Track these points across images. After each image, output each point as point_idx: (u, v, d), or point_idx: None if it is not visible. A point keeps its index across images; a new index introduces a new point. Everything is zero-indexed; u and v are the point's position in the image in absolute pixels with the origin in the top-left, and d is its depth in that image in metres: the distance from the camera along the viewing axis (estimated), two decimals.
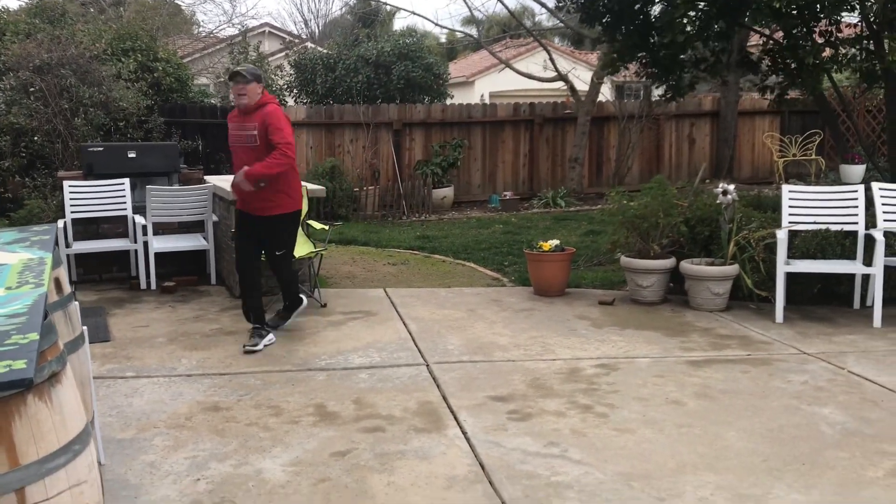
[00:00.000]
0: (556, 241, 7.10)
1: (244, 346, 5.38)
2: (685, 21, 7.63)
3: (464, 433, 4.04)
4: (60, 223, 7.16)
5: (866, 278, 6.32)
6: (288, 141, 5.31)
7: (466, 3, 22.74)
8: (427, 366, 5.11)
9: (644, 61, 8.64)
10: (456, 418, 4.24)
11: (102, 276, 7.66)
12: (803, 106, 14.20)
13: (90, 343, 3.53)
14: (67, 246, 7.36)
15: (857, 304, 6.37)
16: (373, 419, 4.24)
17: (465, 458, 3.75)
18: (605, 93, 16.71)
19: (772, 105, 8.46)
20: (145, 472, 3.63)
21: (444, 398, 4.53)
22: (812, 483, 3.47)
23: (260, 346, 5.41)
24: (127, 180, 7.57)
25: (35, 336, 1.99)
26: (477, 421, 4.20)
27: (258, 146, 5.33)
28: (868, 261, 6.10)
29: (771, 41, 8.21)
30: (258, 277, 5.69)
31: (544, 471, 3.62)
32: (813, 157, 14.23)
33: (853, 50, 7.42)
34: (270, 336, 5.56)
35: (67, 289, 3.15)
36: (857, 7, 7.10)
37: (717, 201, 6.58)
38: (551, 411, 4.32)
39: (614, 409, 4.35)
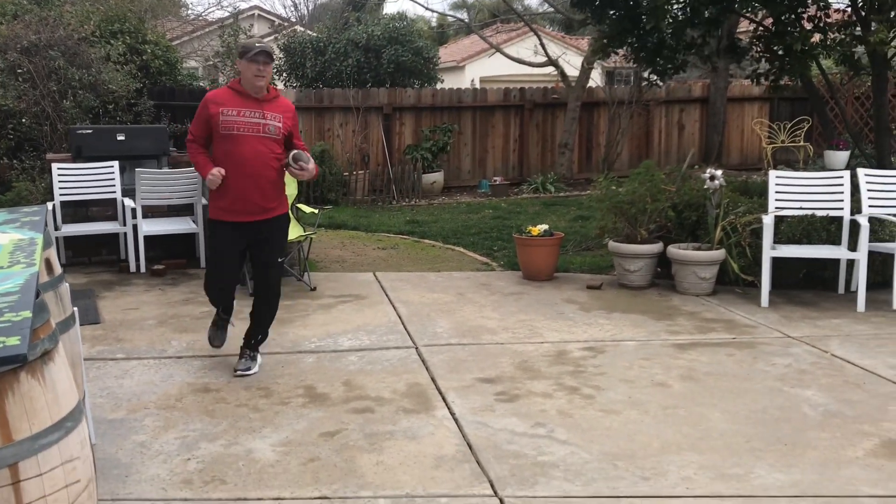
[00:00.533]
0: (545, 226, 7.14)
1: (236, 371, 4.69)
2: (672, 7, 7.65)
3: (452, 414, 4.09)
4: (49, 205, 7.15)
5: (851, 263, 6.40)
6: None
7: None
8: (416, 348, 5.15)
9: (634, 46, 8.67)
10: (444, 399, 4.28)
11: (91, 258, 7.66)
12: (792, 92, 14.23)
13: (80, 325, 3.56)
14: (56, 229, 7.35)
15: (841, 288, 6.44)
16: (362, 400, 4.28)
17: (453, 438, 3.80)
18: (596, 78, 16.75)
19: (767, 92, 8.50)
20: (136, 452, 3.66)
21: (433, 380, 4.58)
22: (793, 463, 3.53)
23: (255, 369, 4.73)
24: (116, 163, 7.56)
25: (28, 314, 2.01)
26: (465, 402, 4.24)
27: (278, 139, 4.55)
28: (853, 246, 6.17)
29: (761, 27, 8.25)
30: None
31: (531, 450, 3.67)
32: (801, 143, 14.30)
33: (840, 36, 7.46)
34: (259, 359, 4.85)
35: (58, 270, 3.17)
36: None
37: (705, 186, 6.63)
38: (538, 393, 4.37)
39: (600, 390, 4.40)
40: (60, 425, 2.16)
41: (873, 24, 6.86)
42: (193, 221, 7.62)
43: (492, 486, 3.34)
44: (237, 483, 3.38)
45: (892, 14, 6.94)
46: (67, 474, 2.16)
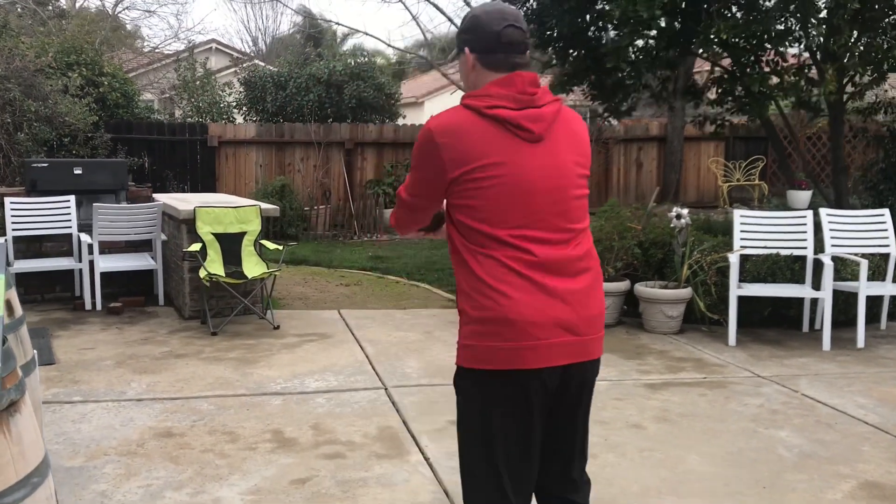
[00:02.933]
0: None
1: None
2: (630, 50, 7.76)
3: (426, 459, 3.98)
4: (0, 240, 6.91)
5: (814, 301, 6.47)
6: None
7: (420, 27, 22.95)
8: (386, 389, 5.03)
9: (592, 83, 8.78)
10: (418, 444, 4.17)
11: (45, 295, 7.41)
12: (746, 132, 14.59)
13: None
14: (8, 265, 7.09)
15: (805, 326, 6.50)
16: (332, 445, 4.15)
17: (429, 485, 3.69)
18: None
19: (717, 131, 8.66)
20: (97, 503, 3.48)
21: (405, 423, 4.46)
22: None
23: None
24: (72, 197, 7.35)
25: None
26: (439, 446, 4.14)
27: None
28: (816, 285, 6.24)
29: (719, 68, 8.41)
30: None
31: None
32: (756, 182, 14.59)
33: (796, 79, 7.64)
34: None
35: (19, 311, 3.01)
36: (802, 39, 7.31)
37: (672, 225, 6.67)
38: None
39: None
40: (26, 482, 2.02)
41: (827, 73, 7.04)
42: (152, 258, 7.43)
43: None
44: None
45: (846, 60, 7.13)
46: None
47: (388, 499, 3.55)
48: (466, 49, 2.24)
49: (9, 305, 2.95)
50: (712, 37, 6.94)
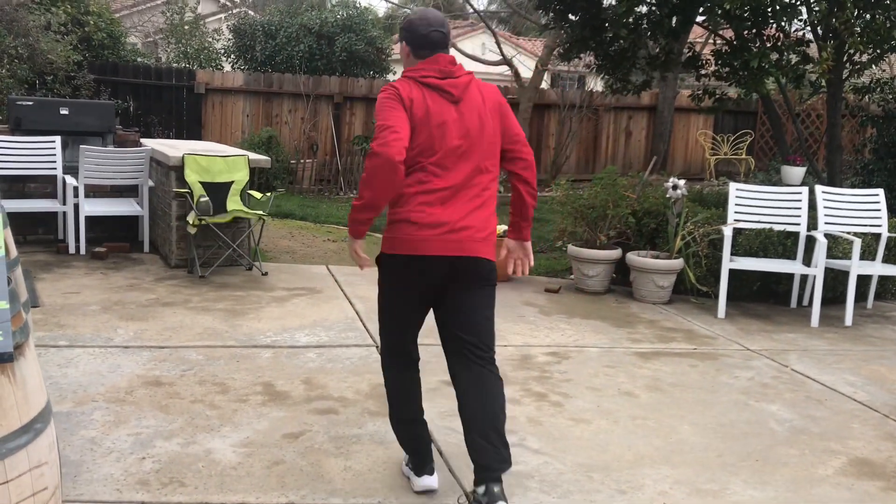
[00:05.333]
0: (503, 227, 7.04)
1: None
2: (631, 19, 7.64)
3: None
4: None
5: (803, 278, 6.49)
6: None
7: None
8: (377, 347, 4.99)
9: (595, 54, 8.65)
10: None
11: (27, 237, 7.26)
12: (736, 106, 14.55)
13: None
14: None
15: (794, 302, 6.53)
16: (325, 401, 4.11)
17: None
18: (545, 80, 16.77)
19: (715, 105, 8.60)
20: (86, 449, 3.42)
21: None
22: (766, 480, 3.51)
23: None
24: (58, 138, 7.17)
25: (5, 304, 1.81)
26: (432, 406, 4.11)
27: None
28: (807, 261, 6.26)
29: (721, 39, 8.32)
30: None
31: None
32: (743, 156, 14.60)
33: (795, 57, 7.57)
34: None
35: (14, 251, 2.92)
36: (805, 14, 7.24)
37: (667, 195, 6.64)
38: (507, 398, 4.26)
39: (569, 398, 4.33)
40: (30, 427, 1.96)
41: (826, 49, 6.97)
42: (138, 204, 7.29)
43: (467, 496, 3.22)
44: (197, 486, 3.18)
45: (846, 37, 7.06)
46: (35, 481, 1.96)
47: (383, 456, 3.53)
48: (404, 42, 3.10)
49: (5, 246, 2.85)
50: (716, 6, 6.84)
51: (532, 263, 3.40)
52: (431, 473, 3.22)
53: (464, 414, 3.06)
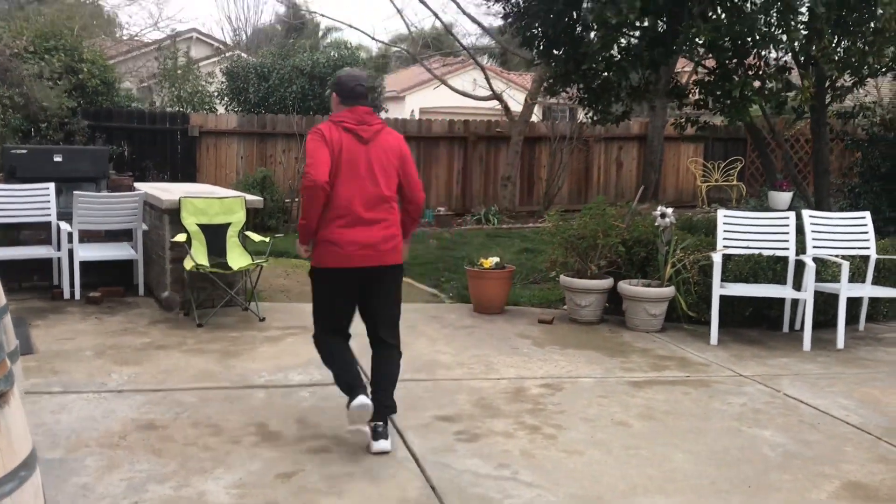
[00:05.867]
0: (496, 259, 7.10)
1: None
2: (610, 53, 7.73)
3: (412, 454, 3.96)
4: None
5: (794, 302, 6.52)
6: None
7: (405, 21, 22.82)
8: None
9: (579, 87, 8.75)
10: (403, 439, 4.15)
11: (22, 284, 7.29)
12: (725, 133, 14.70)
13: None
14: None
15: (786, 327, 6.55)
16: (318, 439, 4.12)
17: (415, 481, 3.67)
18: (536, 113, 16.94)
19: (698, 133, 8.69)
20: (78, 496, 3.43)
21: (391, 418, 4.43)
22: None
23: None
24: (52, 185, 7.23)
25: None
26: (425, 442, 4.12)
27: None
28: (797, 285, 6.29)
29: (704, 68, 8.43)
30: None
31: (496, 493, 3.57)
32: (734, 182, 14.71)
33: (777, 84, 7.66)
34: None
35: (2, 300, 2.95)
36: (785, 43, 7.34)
37: (656, 224, 6.70)
38: (499, 432, 4.28)
39: (562, 430, 4.34)
40: (14, 475, 1.98)
41: (807, 77, 7.06)
42: (132, 247, 7.34)
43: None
44: None
45: (826, 65, 7.15)
46: None
47: (376, 493, 3.53)
48: (335, 93, 4.11)
49: None
50: (695, 38, 6.95)
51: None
52: (364, 393, 3.98)
53: (375, 375, 4.16)
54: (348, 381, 4.03)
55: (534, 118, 15.14)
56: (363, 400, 3.91)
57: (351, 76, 4.08)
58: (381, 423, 4.00)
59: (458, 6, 15.42)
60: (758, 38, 7.14)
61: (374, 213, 3.96)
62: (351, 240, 3.92)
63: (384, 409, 4.04)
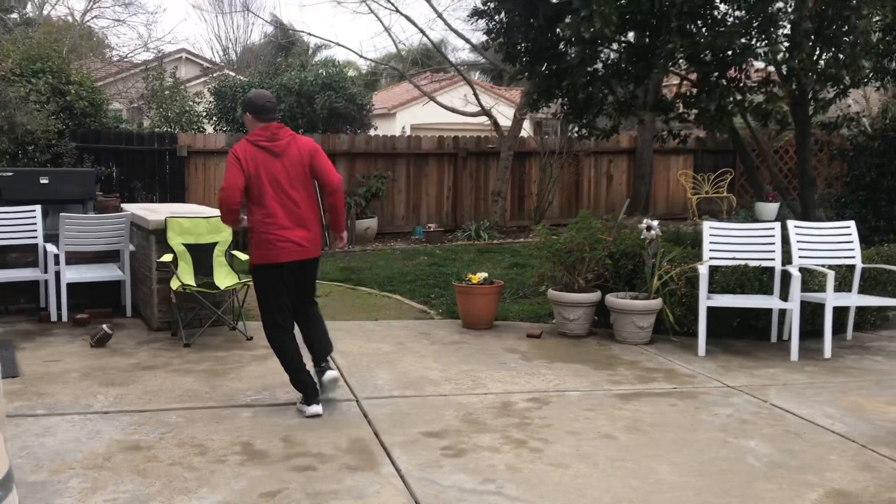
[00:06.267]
0: (484, 274, 7.11)
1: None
2: (594, 68, 7.77)
3: (398, 471, 3.96)
4: None
5: (782, 312, 6.54)
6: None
7: (392, 38, 22.93)
8: (357, 401, 5.00)
9: (562, 102, 8.79)
10: (389, 455, 4.15)
11: (9, 307, 7.27)
12: (714, 145, 14.77)
13: None
14: None
15: (774, 337, 6.57)
16: (303, 458, 4.11)
17: (400, 497, 3.67)
18: (526, 128, 17.01)
19: (679, 146, 8.74)
20: None
21: (377, 434, 4.44)
22: None
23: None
24: (38, 207, 7.23)
25: None
26: (411, 458, 4.12)
27: None
28: (784, 296, 6.32)
29: (688, 82, 8.49)
30: None
31: None
32: (725, 194, 14.77)
33: (758, 97, 7.70)
34: None
35: None
36: (767, 55, 7.39)
37: (642, 237, 6.72)
38: (485, 447, 4.28)
39: (548, 443, 4.33)
40: None
41: (786, 87, 7.11)
42: (120, 268, 7.33)
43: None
44: None
45: (806, 77, 7.20)
46: None
47: None
48: (248, 113, 4.74)
49: None
50: (674, 53, 6.99)
51: (344, 242, 5.09)
52: (318, 404, 4.72)
53: (308, 339, 4.94)
54: (305, 384, 4.79)
55: (524, 133, 15.19)
56: (317, 409, 4.71)
57: (260, 95, 4.76)
58: (324, 362, 4.89)
59: (445, 22, 15.52)
60: (738, 51, 7.20)
61: (298, 215, 4.70)
62: (284, 238, 4.68)
63: (325, 352, 4.95)
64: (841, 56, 7.12)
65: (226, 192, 4.61)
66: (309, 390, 4.75)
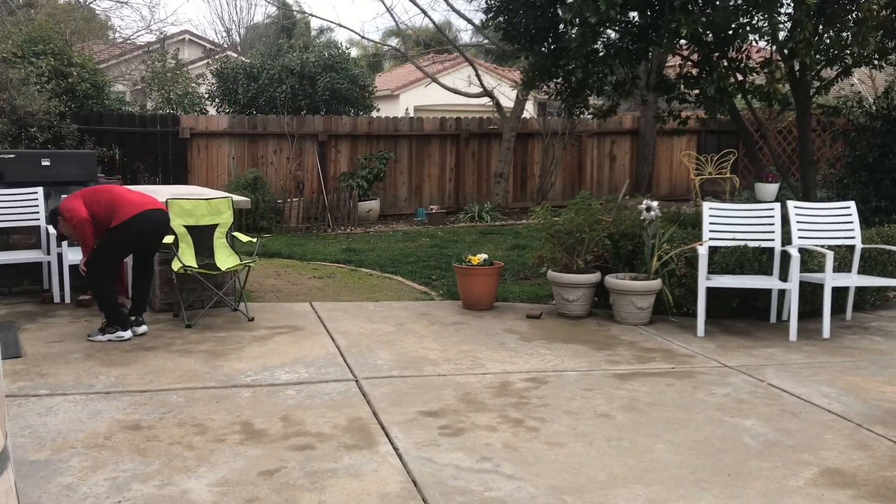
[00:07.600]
0: (484, 256, 7.13)
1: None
2: (592, 48, 7.73)
3: (395, 449, 3.99)
4: None
5: (782, 293, 6.55)
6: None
7: (394, 19, 22.80)
8: (356, 381, 5.04)
9: (557, 83, 8.76)
10: (387, 434, 4.18)
11: (12, 289, 7.32)
12: (718, 126, 14.70)
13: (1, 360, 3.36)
14: None
15: (773, 317, 6.58)
16: (302, 437, 4.15)
17: (397, 475, 3.70)
18: (529, 109, 16.96)
19: (679, 127, 8.71)
20: (62, 496, 3.45)
21: (375, 414, 4.47)
22: (737, 493, 3.55)
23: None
24: (40, 189, 7.26)
25: None
26: (408, 437, 4.15)
27: None
28: (784, 276, 6.32)
29: (690, 62, 8.45)
30: None
31: (477, 486, 3.60)
32: (728, 175, 14.73)
33: (759, 79, 7.65)
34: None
35: None
36: (767, 34, 7.34)
37: (641, 217, 6.73)
38: (483, 426, 4.31)
39: (545, 422, 4.37)
40: None
41: (781, 68, 7.06)
42: None
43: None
44: None
45: (807, 56, 7.15)
46: None
47: (357, 489, 3.56)
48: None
49: None
50: (679, 30, 6.96)
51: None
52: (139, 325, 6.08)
53: (135, 291, 6.19)
54: (124, 319, 5.96)
55: (527, 114, 15.16)
56: (143, 329, 6.09)
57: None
58: (139, 316, 6.09)
59: (448, 3, 15.42)
60: (738, 29, 7.16)
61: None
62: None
63: (143, 309, 6.20)
64: (845, 34, 7.08)
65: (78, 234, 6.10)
66: (125, 322, 5.94)
